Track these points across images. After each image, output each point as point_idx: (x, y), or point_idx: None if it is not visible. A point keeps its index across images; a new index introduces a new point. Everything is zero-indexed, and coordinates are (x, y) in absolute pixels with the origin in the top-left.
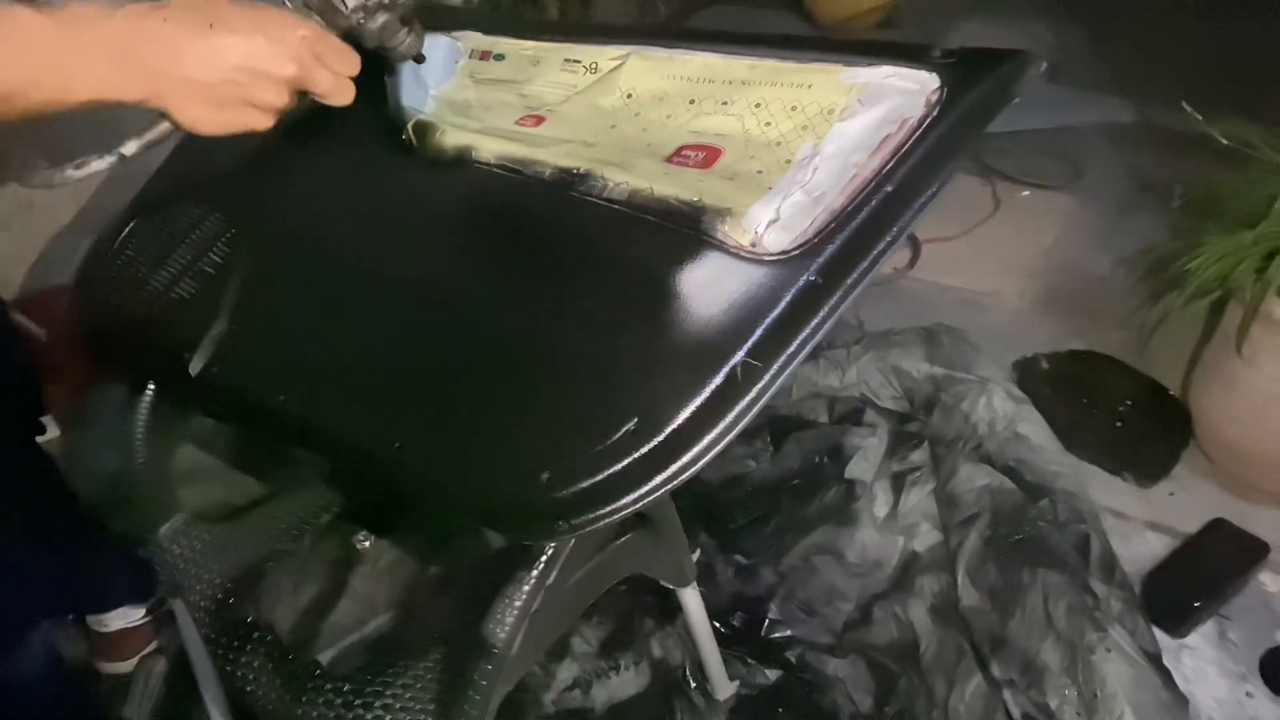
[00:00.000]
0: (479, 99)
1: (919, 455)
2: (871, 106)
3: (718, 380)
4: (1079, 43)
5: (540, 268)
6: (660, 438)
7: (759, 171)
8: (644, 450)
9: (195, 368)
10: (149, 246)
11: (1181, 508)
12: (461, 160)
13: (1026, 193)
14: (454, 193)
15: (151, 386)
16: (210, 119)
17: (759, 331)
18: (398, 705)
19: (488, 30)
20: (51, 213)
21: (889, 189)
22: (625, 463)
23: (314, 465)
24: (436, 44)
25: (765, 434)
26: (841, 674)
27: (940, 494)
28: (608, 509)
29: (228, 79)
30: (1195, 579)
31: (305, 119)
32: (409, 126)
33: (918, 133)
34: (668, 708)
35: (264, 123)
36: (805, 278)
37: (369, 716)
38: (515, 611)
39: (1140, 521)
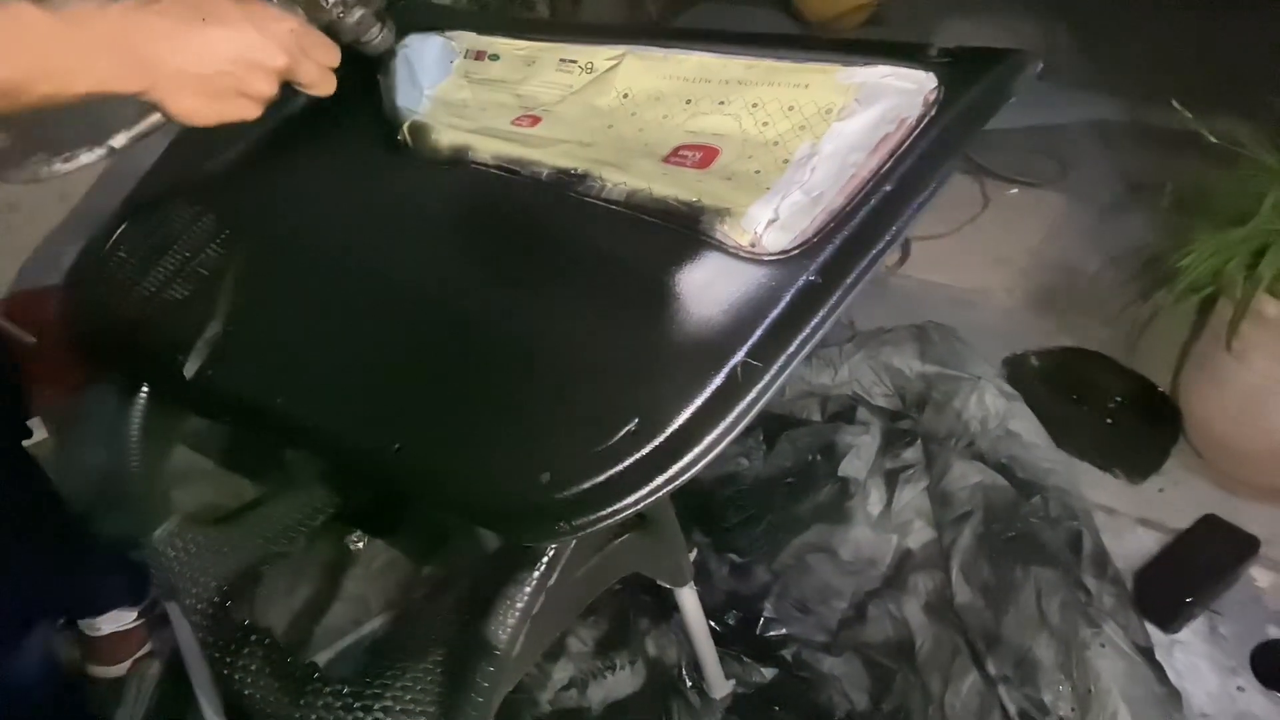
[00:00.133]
0: (474, 99)
1: (912, 453)
2: (869, 106)
3: (718, 380)
4: (1066, 40)
5: (538, 268)
6: (661, 438)
7: (757, 171)
8: (645, 451)
9: (190, 370)
10: (142, 247)
11: (1172, 504)
12: (458, 161)
13: (1015, 190)
14: (451, 193)
15: (145, 388)
16: (203, 110)
17: (759, 331)
18: (398, 708)
19: (482, 30)
20: (36, 214)
21: (888, 188)
22: (626, 463)
23: (309, 467)
24: (430, 44)
25: (758, 432)
26: (837, 672)
27: (933, 491)
28: (609, 510)
29: (222, 70)
30: (1186, 574)
31: (299, 119)
32: (405, 127)
33: (916, 132)
34: (664, 707)
35: (254, 112)
36: (805, 277)
37: (369, 719)
38: (517, 613)
39: (1131, 517)
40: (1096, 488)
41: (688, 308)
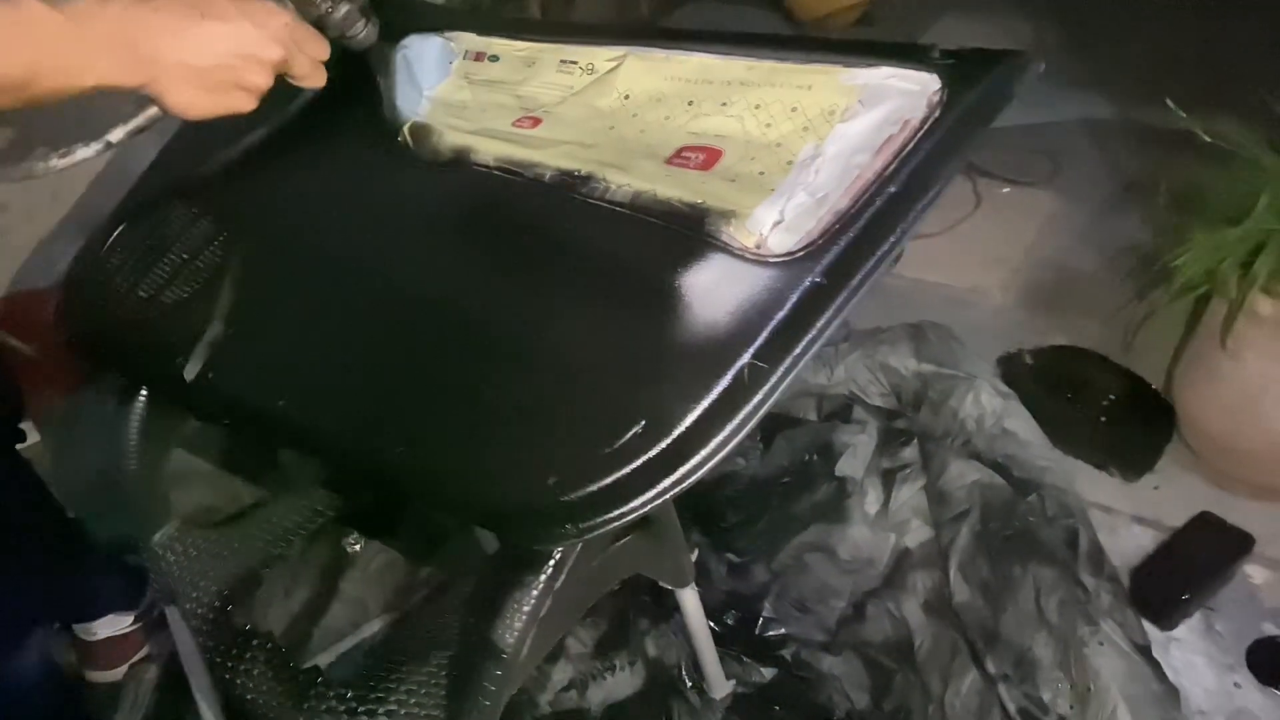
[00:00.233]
0: (474, 100)
1: (908, 452)
2: (873, 107)
3: (725, 382)
4: (1058, 37)
5: (542, 270)
6: (668, 440)
7: (761, 173)
8: (652, 453)
9: (190, 373)
10: (141, 248)
11: (1166, 501)
12: (460, 162)
13: (1007, 189)
14: (453, 195)
15: (144, 391)
16: (201, 102)
17: (765, 333)
18: (403, 711)
19: (481, 31)
20: (29, 213)
21: (893, 189)
22: (633, 466)
23: (310, 469)
24: (430, 45)
25: (755, 432)
26: (837, 671)
27: (930, 490)
28: (616, 512)
29: (220, 63)
30: (1182, 572)
31: (299, 120)
32: (406, 128)
33: (920, 133)
34: (664, 707)
35: (249, 104)
36: (810, 279)
37: None
38: (524, 616)
39: (1126, 515)
40: (1091, 486)
41: (693, 310)
